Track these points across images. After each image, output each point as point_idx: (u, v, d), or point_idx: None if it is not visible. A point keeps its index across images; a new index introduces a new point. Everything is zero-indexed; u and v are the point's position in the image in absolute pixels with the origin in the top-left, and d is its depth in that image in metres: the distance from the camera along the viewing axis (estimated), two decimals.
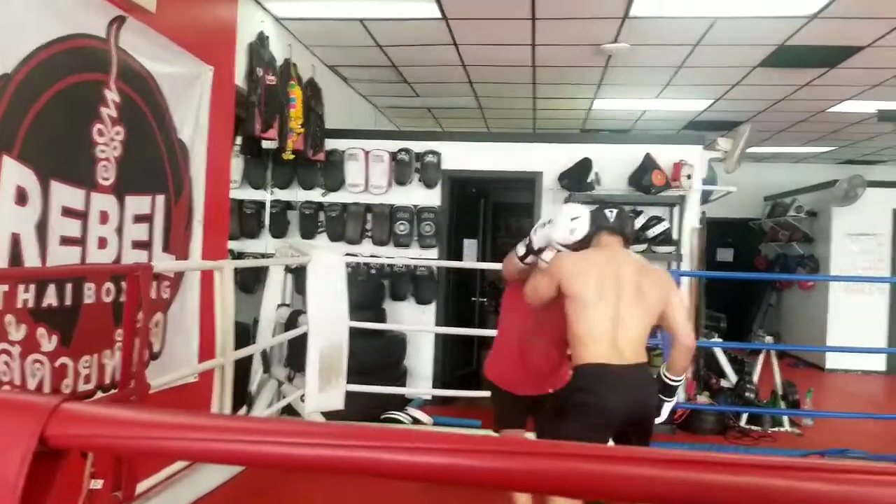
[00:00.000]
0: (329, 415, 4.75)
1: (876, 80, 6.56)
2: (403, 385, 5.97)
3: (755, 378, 6.00)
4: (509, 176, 6.45)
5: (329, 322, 4.71)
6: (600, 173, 5.99)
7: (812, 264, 9.52)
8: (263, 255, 6.15)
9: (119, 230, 3.18)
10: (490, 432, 3.68)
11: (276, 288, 5.36)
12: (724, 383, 6.00)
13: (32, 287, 2.68)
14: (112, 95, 3.07)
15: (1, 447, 0.65)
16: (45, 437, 0.65)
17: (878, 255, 9.00)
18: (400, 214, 6.25)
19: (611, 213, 2.92)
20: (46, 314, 2.75)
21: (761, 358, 6.21)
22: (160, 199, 3.50)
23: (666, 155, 5.97)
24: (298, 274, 5.51)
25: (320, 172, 6.32)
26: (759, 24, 5.24)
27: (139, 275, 2.76)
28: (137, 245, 3.32)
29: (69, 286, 2.88)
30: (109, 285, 3.13)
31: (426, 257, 6.26)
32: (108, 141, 3.06)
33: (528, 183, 6.35)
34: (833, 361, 9.08)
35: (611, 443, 2.71)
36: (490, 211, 8.46)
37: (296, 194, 6.42)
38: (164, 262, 3.53)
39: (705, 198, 6.54)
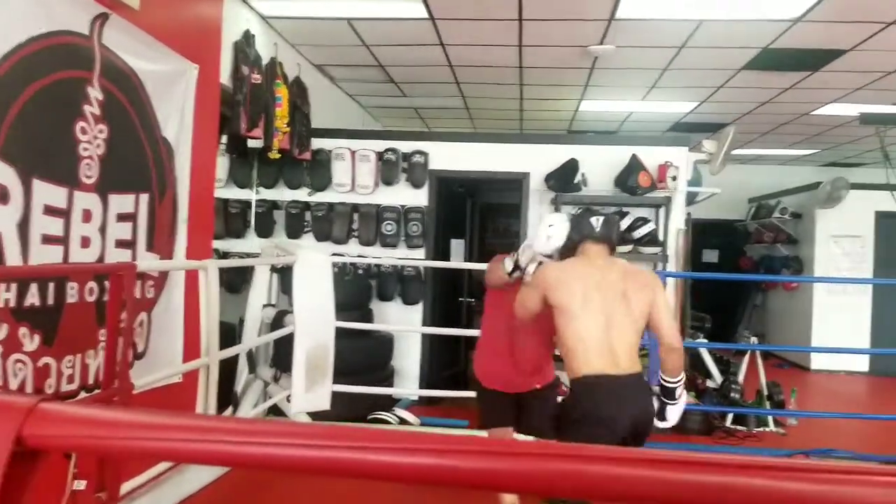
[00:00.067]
0: (315, 415, 4.73)
1: (858, 83, 6.63)
2: (390, 385, 5.95)
3: (740, 378, 6.03)
4: (496, 176, 6.45)
5: (315, 322, 4.69)
6: (587, 174, 6.01)
7: (796, 265, 9.60)
8: (249, 255, 6.11)
9: (102, 229, 3.15)
10: (477, 433, 3.69)
11: (261, 288, 5.33)
12: (709, 383, 6.03)
13: (14, 286, 2.64)
14: (95, 93, 3.04)
15: None
16: (22, 438, 0.64)
17: (861, 256, 9.09)
18: (387, 214, 6.24)
19: (596, 221, 2.87)
20: (28, 313, 2.72)
21: (746, 358, 6.26)
22: (144, 197, 3.47)
23: (652, 156, 6.00)
24: (284, 274, 5.48)
25: (307, 172, 6.30)
26: (744, 27, 5.27)
27: (122, 274, 2.73)
28: (121, 244, 3.29)
29: (52, 285, 2.85)
30: (92, 285, 3.10)
31: (413, 257, 6.25)
32: (92, 139, 3.03)
33: (515, 183, 6.36)
34: (817, 362, 9.16)
35: None
36: (477, 211, 8.48)
37: (282, 194, 6.39)
38: (147, 262, 3.50)
39: (691, 199, 6.58)
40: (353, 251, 6.30)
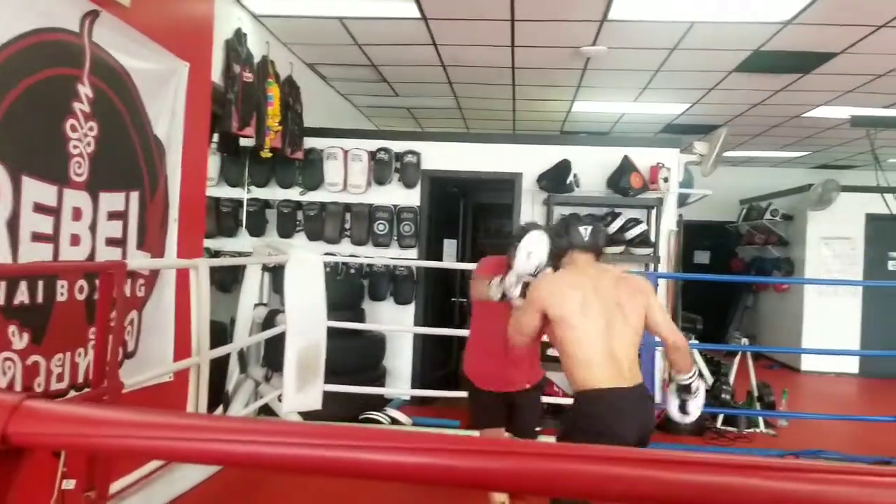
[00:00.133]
0: (307, 415, 4.72)
1: (849, 86, 6.66)
2: (382, 385, 5.94)
3: (731, 379, 6.06)
4: (489, 176, 6.45)
5: (307, 322, 4.68)
6: (579, 175, 6.02)
7: (787, 267, 9.65)
8: (241, 254, 6.09)
9: (92, 227, 3.13)
10: (469, 433, 3.69)
11: (253, 287, 5.32)
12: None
13: (3, 284, 2.62)
14: (85, 90, 3.02)
15: None
16: (7, 435, 0.63)
17: (851, 258, 9.14)
18: (379, 214, 6.23)
19: (585, 231, 2.82)
20: (18, 312, 2.70)
21: (737, 359, 6.28)
22: (134, 195, 3.45)
23: (643, 158, 6.01)
24: (276, 273, 5.47)
25: (299, 171, 6.28)
26: (735, 29, 5.29)
27: (112, 272, 2.72)
28: (111, 242, 3.27)
29: (41, 283, 2.83)
30: (82, 283, 3.08)
31: (405, 257, 6.24)
32: (82, 136, 3.01)
33: (507, 184, 6.36)
34: (808, 363, 9.20)
35: None
36: (470, 211, 8.47)
37: (274, 193, 6.37)
38: (138, 260, 3.48)
39: (682, 200, 6.60)
40: (346, 251, 6.29)
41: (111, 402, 2.76)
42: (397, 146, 6.30)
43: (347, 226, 6.30)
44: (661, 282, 5.84)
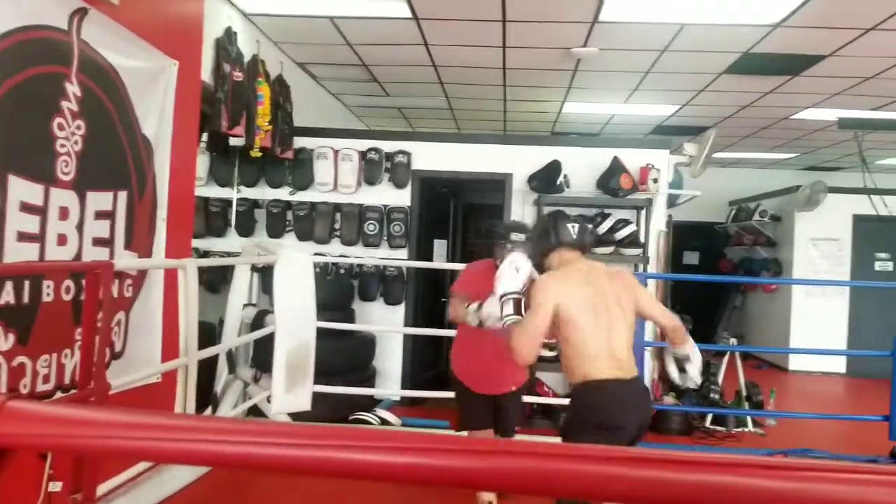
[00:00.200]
0: (296, 416, 4.70)
1: (837, 88, 6.71)
2: (372, 386, 5.93)
3: (720, 379, 6.08)
4: (480, 177, 6.45)
5: (296, 322, 4.66)
6: (569, 176, 6.03)
7: (776, 268, 9.71)
8: (230, 254, 6.06)
9: (79, 227, 3.10)
10: (461, 434, 3.68)
11: (242, 287, 5.30)
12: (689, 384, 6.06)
13: None
14: (73, 89, 3.00)
15: None
16: None
17: (838, 259, 9.21)
18: (369, 214, 6.22)
19: (573, 228, 2.85)
20: (3, 312, 2.67)
21: (726, 359, 6.31)
22: (122, 195, 3.43)
23: (633, 159, 6.03)
24: (265, 273, 5.45)
25: (288, 171, 6.26)
26: (725, 31, 5.32)
27: (99, 272, 2.70)
28: (98, 242, 3.25)
29: (27, 283, 2.80)
30: (69, 283, 3.05)
31: (396, 257, 6.24)
32: (69, 135, 2.99)
33: (498, 184, 6.36)
34: (796, 363, 9.27)
35: None
36: (460, 212, 8.47)
37: (263, 192, 6.35)
38: (125, 260, 3.45)
39: (672, 201, 6.62)
40: (336, 251, 6.27)
41: (98, 404, 2.74)
42: (388, 146, 6.29)
43: (337, 226, 6.29)
44: (651, 282, 5.85)
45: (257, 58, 5.33)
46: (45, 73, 2.85)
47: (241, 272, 5.35)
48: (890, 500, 0.61)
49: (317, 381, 4.83)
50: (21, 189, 2.73)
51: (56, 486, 2.41)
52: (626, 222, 5.92)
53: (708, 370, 6.25)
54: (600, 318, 2.66)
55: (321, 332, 4.92)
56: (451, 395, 3.63)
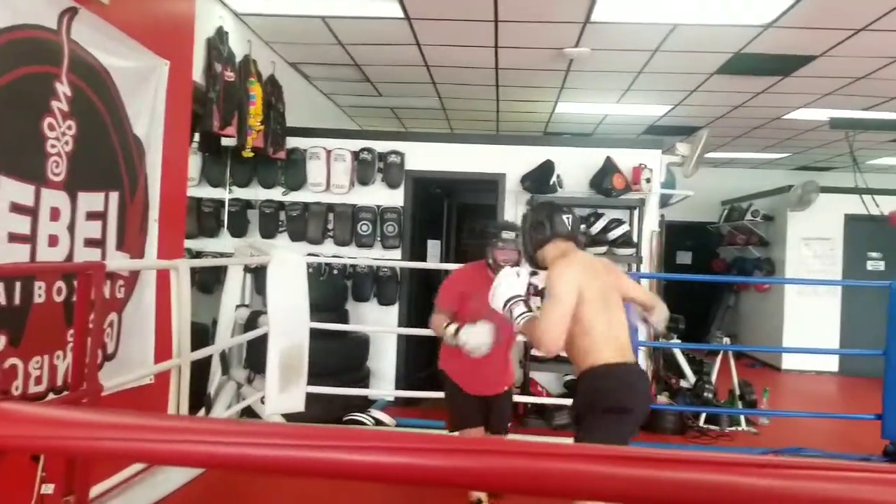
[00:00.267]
0: (290, 417, 4.69)
1: (828, 88, 6.74)
2: (366, 387, 5.92)
3: (713, 378, 6.10)
4: (473, 177, 6.45)
5: (290, 323, 4.65)
6: (562, 176, 6.04)
7: (768, 267, 9.75)
8: (222, 255, 6.04)
9: (71, 227, 3.09)
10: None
11: (235, 288, 5.28)
12: (683, 383, 6.09)
13: None
14: (63, 89, 2.98)
15: None
16: None
17: (830, 258, 9.25)
18: (362, 214, 6.21)
19: (568, 220, 2.89)
20: None
21: (719, 358, 6.33)
22: (114, 195, 3.41)
23: (626, 159, 6.04)
24: (258, 274, 5.44)
25: (281, 171, 6.25)
26: (717, 31, 5.33)
27: (91, 273, 2.68)
28: (90, 243, 3.23)
29: (18, 285, 2.78)
30: (61, 284, 3.04)
31: (389, 258, 6.23)
32: (60, 135, 2.97)
33: (491, 184, 6.36)
34: (788, 362, 9.31)
35: None
36: (454, 212, 8.47)
37: (256, 193, 6.33)
38: (117, 261, 3.44)
39: (664, 201, 6.64)
40: (329, 251, 6.26)
41: (90, 405, 2.72)
42: (381, 146, 6.28)
43: (330, 226, 6.27)
44: (644, 282, 5.86)
45: (249, 58, 5.31)
46: (35, 73, 2.84)
47: (233, 273, 5.33)
48: (882, 498, 0.61)
49: (311, 381, 4.82)
50: (12, 190, 2.71)
51: (48, 489, 2.39)
52: (619, 222, 5.94)
53: (701, 369, 6.28)
54: (606, 305, 2.73)
55: (315, 333, 4.91)
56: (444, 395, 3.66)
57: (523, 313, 2.74)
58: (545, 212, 2.94)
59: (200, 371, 4.47)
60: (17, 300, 2.78)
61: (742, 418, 5.91)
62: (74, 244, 3.12)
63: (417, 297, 6.75)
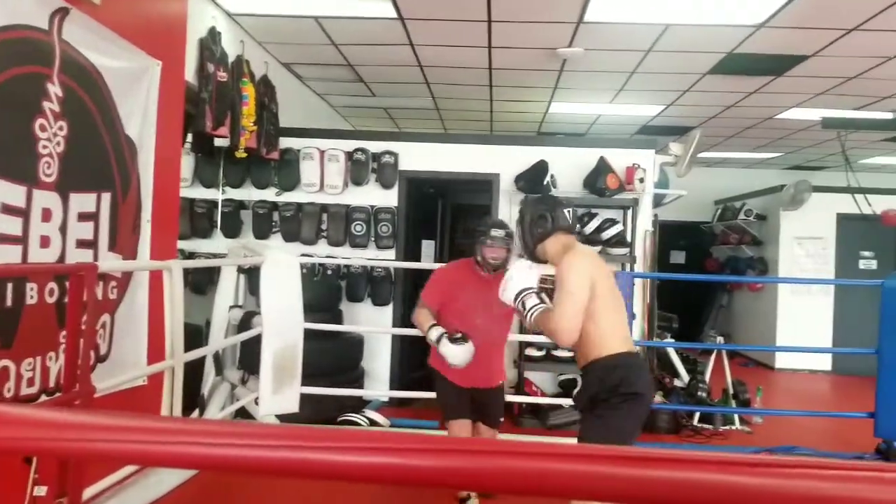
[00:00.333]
0: (284, 418, 4.68)
1: (820, 88, 6.77)
2: (360, 387, 5.91)
3: (707, 377, 6.12)
4: (467, 177, 6.45)
5: (283, 324, 4.64)
6: (556, 176, 6.05)
7: (761, 266, 9.78)
8: (215, 256, 6.02)
9: (62, 228, 3.07)
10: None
11: (228, 289, 5.27)
12: (676, 383, 6.10)
13: None
14: (55, 89, 2.97)
15: None
16: None
17: (823, 258, 9.29)
18: (356, 215, 6.20)
19: (568, 214, 2.93)
20: None
21: (713, 358, 6.34)
22: (106, 196, 3.40)
23: (619, 159, 6.05)
24: (252, 275, 5.42)
25: (274, 171, 6.23)
26: (709, 31, 5.35)
27: (83, 274, 2.67)
28: (82, 244, 3.22)
29: (10, 286, 2.77)
30: (53, 285, 3.02)
31: (383, 258, 6.22)
32: (51, 136, 2.96)
33: (485, 184, 6.37)
34: (782, 361, 9.34)
35: None
36: (448, 212, 8.47)
37: (249, 193, 6.32)
38: (109, 262, 3.42)
39: (658, 201, 6.65)
40: (323, 252, 6.25)
41: (83, 407, 2.71)
42: (374, 146, 6.27)
43: (324, 227, 6.27)
44: (638, 281, 5.88)
45: (242, 58, 5.30)
46: (26, 74, 2.82)
47: (227, 273, 5.32)
48: (874, 496, 0.61)
49: (305, 382, 4.82)
50: (3, 190, 2.70)
51: (41, 491, 2.38)
52: (612, 222, 5.95)
53: (695, 369, 6.30)
54: (613, 296, 2.78)
55: (309, 334, 4.90)
56: None
57: (536, 305, 2.76)
58: (547, 205, 2.94)
59: (194, 372, 4.46)
60: (8, 302, 2.77)
61: (736, 417, 5.92)
62: (66, 245, 3.10)
63: (412, 297, 6.73)
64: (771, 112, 7.89)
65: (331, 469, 0.68)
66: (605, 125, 9.03)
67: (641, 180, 6.01)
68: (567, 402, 5.62)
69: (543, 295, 2.82)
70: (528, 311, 2.75)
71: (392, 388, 6.24)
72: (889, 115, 7.48)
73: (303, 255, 5.79)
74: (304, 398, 4.80)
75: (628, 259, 5.91)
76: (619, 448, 0.68)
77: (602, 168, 5.95)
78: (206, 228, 6.27)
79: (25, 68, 2.81)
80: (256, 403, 4.67)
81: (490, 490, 0.68)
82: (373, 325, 6.23)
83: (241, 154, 5.24)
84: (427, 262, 7.16)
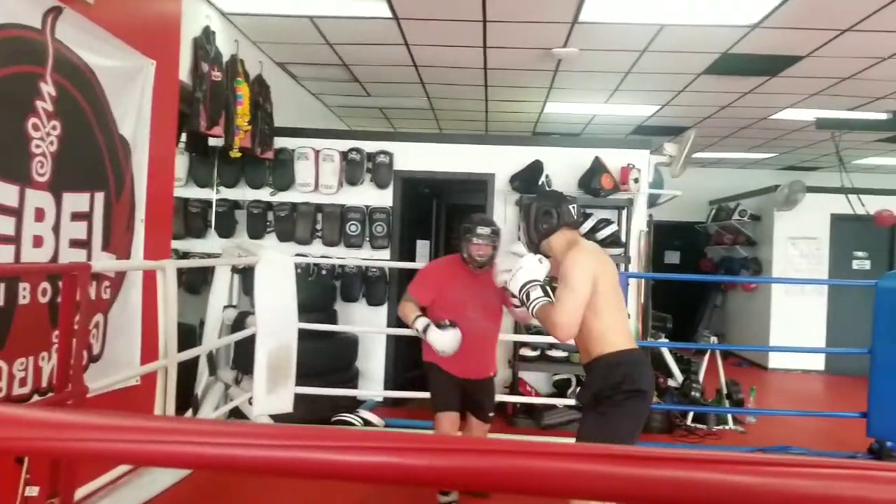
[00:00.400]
0: (278, 418, 4.67)
1: (814, 89, 6.79)
2: (355, 387, 5.90)
3: (701, 377, 6.13)
4: (462, 177, 6.45)
5: (278, 323, 4.63)
6: (551, 176, 6.05)
7: (755, 267, 9.81)
8: (210, 256, 6.01)
9: (55, 228, 3.06)
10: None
11: (222, 289, 5.25)
12: (670, 382, 6.11)
13: None
14: (48, 88, 2.96)
15: None
16: None
17: (817, 258, 9.32)
18: (351, 215, 6.19)
19: (573, 209, 2.94)
20: None
21: (706, 358, 6.35)
22: (99, 196, 3.38)
23: (614, 159, 6.06)
24: (246, 275, 5.41)
25: (269, 171, 6.22)
26: (704, 31, 5.36)
27: (76, 274, 2.66)
28: (75, 244, 3.20)
29: (2, 286, 2.75)
30: (46, 285, 3.01)
31: (378, 258, 6.22)
32: (44, 135, 2.94)
33: (480, 184, 6.37)
34: (775, 361, 9.37)
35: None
36: (443, 212, 8.47)
37: (243, 193, 6.30)
38: (103, 262, 3.41)
39: (652, 201, 6.67)
40: (317, 252, 6.24)
41: (76, 407, 2.70)
42: (369, 146, 6.27)
43: (319, 227, 6.25)
44: (632, 281, 5.89)
45: (236, 57, 5.29)
46: (19, 73, 2.81)
47: (221, 273, 5.30)
48: (867, 495, 0.61)
49: (299, 382, 4.81)
50: None
51: (33, 491, 2.37)
52: (607, 222, 5.96)
53: (689, 368, 6.31)
54: (616, 293, 2.80)
55: (303, 334, 4.89)
56: None
57: (539, 297, 2.77)
58: (553, 201, 2.94)
59: (187, 372, 4.45)
60: (1, 301, 2.75)
61: (729, 417, 5.94)
62: (59, 245, 3.09)
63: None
64: (765, 112, 7.91)
65: (325, 468, 0.68)
66: (600, 125, 9.04)
67: (636, 180, 6.02)
68: (561, 401, 5.63)
69: (549, 289, 2.83)
70: (532, 302, 2.77)
71: (386, 388, 6.24)
72: (883, 116, 7.51)
73: (297, 254, 5.78)
74: (299, 398, 4.79)
75: (623, 259, 5.91)
76: (615, 447, 0.68)
77: (597, 168, 5.96)
78: (201, 228, 6.25)
79: (18, 67, 2.80)
80: (250, 403, 4.66)
81: (486, 489, 0.68)
82: (367, 325, 6.22)
83: (235, 154, 5.23)
84: (422, 263, 7.14)
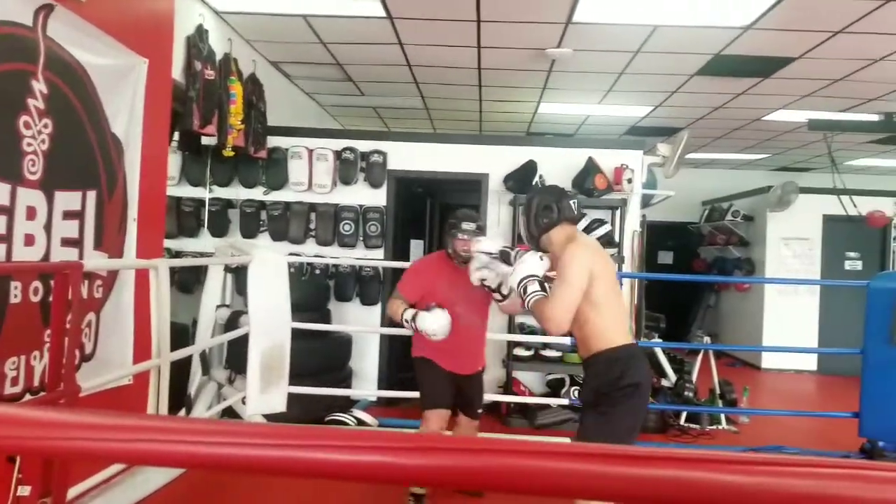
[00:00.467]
0: (271, 417, 4.66)
1: (807, 90, 6.82)
2: (348, 387, 5.90)
3: (694, 377, 6.14)
4: (455, 177, 6.45)
5: (271, 323, 4.62)
6: (545, 176, 6.06)
7: (748, 267, 9.85)
8: (202, 255, 5.99)
9: (47, 227, 3.05)
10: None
11: (215, 288, 5.24)
12: (664, 382, 6.13)
13: None
14: (40, 86, 2.94)
15: None
16: None
17: (809, 258, 9.36)
18: (345, 214, 6.18)
19: (573, 205, 2.95)
20: None
21: (700, 358, 6.37)
22: (91, 194, 3.37)
23: (608, 159, 6.07)
24: (239, 274, 5.40)
25: (262, 170, 6.20)
26: (697, 33, 5.37)
27: (68, 273, 2.64)
28: (67, 242, 3.19)
29: None
30: (37, 284, 3.00)
31: (372, 258, 6.21)
32: (36, 134, 2.93)
33: (474, 184, 6.37)
34: (768, 361, 9.41)
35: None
36: (437, 211, 8.46)
37: (237, 192, 6.28)
38: (95, 261, 3.40)
39: (646, 201, 6.68)
40: (311, 251, 6.23)
41: (68, 406, 2.69)
42: (363, 146, 6.26)
43: (312, 226, 6.24)
44: (626, 281, 5.90)
45: (229, 56, 5.27)
46: (10, 71, 2.79)
47: (214, 273, 5.29)
48: (859, 495, 0.61)
49: (292, 382, 4.80)
50: None
51: (25, 490, 2.36)
52: (601, 222, 5.96)
53: (682, 368, 6.32)
54: (614, 288, 2.82)
55: (296, 333, 4.89)
56: None
57: (535, 291, 2.79)
58: (553, 196, 2.95)
59: (180, 372, 4.44)
60: None
61: (722, 417, 5.96)
62: (51, 243, 3.08)
63: None
64: (758, 113, 7.94)
65: (319, 468, 0.67)
66: (594, 126, 9.06)
67: (629, 181, 6.04)
68: (555, 401, 5.63)
69: (546, 284, 2.85)
70: (528, 295, 2.80)
71: (380, 387, 6.23)
72: (874, 118, 7.55)
73: (291, 254, 5.77)
74: (292, 398, 4.78)
75: (616, 259, 5.92)
76: (609, 446, 0.68)
77: (590, 168, 5.97)
78: (194, 227, 6.23)
79: (9, 65, 2.78)
80: (243, 403, 4.65)
81: (480, 488, 0.68)
82: (361, 324, 6.22)
83: (228, 153, 5.21)
84: None
